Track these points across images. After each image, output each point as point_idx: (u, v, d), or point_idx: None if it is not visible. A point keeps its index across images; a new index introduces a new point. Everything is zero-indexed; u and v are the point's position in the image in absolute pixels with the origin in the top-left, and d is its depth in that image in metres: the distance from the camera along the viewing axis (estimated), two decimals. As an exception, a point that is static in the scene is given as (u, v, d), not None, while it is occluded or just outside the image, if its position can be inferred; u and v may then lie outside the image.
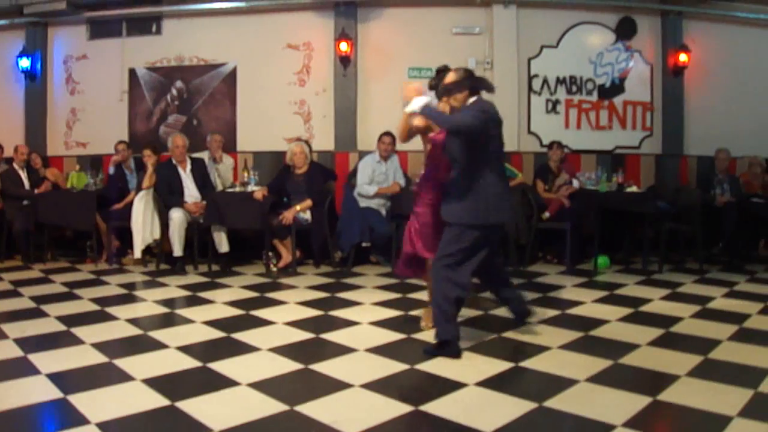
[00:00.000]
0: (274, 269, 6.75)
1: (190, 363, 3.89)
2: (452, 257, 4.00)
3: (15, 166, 7.51)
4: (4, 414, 3.09)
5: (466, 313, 4.71)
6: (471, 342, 4.24)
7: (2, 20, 8.67)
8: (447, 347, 4.00)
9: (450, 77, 4.17)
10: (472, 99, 4.10)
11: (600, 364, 3.81)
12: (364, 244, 6.94)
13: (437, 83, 4.33)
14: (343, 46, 7.94)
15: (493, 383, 3.54)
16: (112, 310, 5.16)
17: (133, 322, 4.81)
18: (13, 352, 4.05)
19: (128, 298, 5.71)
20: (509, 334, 4.45)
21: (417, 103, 3.99)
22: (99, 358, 3.96)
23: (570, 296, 5.61)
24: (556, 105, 8.31)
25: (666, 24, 8.28)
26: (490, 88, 4.20)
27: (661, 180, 8.15)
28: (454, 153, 4.06)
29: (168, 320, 4.97)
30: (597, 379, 3.57)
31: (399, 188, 6.98)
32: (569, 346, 4.19)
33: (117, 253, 7.31)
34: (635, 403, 3.21)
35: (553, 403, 3.24)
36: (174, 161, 7.03)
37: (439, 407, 3.20)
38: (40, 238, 7.39)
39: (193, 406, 3.19)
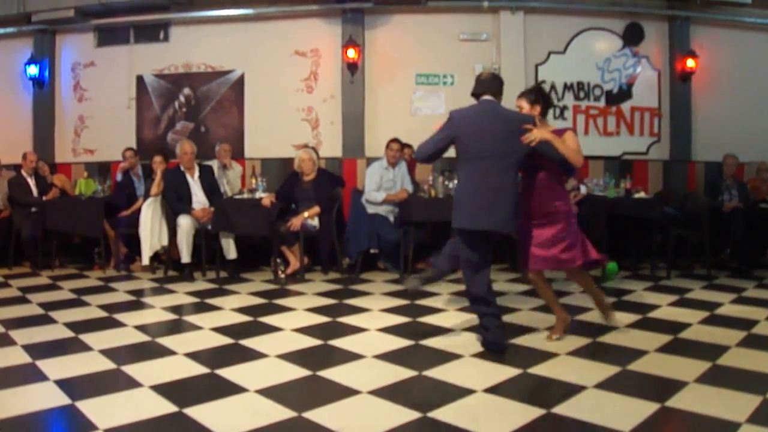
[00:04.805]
0: (282, 276, 6.75)
1: (198, 369, 3.90)
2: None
3: (23, 173, 7.54)
4: (12, 420, 3.10)
5: (472, 319, 4.69)
6: (479, 348, 4.24)
7: (10, 28, 8.74)
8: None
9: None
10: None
11: (608, 370, 3.80)
12: (372, 251, 6.93)
13: None
14: (351, 53, 7.98)
15: (501, 390, 3.54)
16: (120, 316, 5.18)
17: (141, 328, 4.82)
18: (22, 358, 4.07)
19: (136, 305, 5.72)
20: (517, 341, 4.44)
21: None
22: (107, 364, 3.97)
23: (577, 302, 5.57)
24: (564, 111, 8.31)
25: (673, 29, 8.29)
26: (486, 90, 4.23)
27: (668, 186, 8.13)
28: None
29: (176, 327, 4.98)
30: (605, 385, 3.56)
31: (407, 195, 6.95)
32: (577, 353, 4.17)
33: (125, 260, 7.34)
34: (643, 409, 3.20)
35: (561, 409, 3.23)
36: (182, 168, 7.04)
37: (447, 414, 3.20)
38: (48, 245, 7.41)
39: (201, 413, 3.19)
